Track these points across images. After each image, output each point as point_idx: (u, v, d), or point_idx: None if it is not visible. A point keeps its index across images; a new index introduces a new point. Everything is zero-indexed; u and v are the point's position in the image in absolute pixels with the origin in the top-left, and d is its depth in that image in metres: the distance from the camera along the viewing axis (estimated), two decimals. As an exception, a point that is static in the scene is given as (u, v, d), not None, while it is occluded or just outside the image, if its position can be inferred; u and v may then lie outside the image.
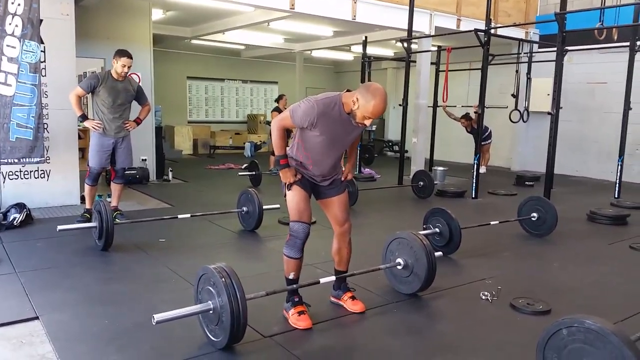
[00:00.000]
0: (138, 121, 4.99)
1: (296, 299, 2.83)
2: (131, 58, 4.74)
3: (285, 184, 2.82)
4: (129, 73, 4.81)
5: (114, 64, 4.69)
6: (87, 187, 4.90)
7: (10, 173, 5.30)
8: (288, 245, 2.80)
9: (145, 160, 7.66)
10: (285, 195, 2.85)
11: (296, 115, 2.63)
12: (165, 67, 11.54)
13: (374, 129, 13.20)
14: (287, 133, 2.84)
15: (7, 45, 4.80)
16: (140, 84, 5.30)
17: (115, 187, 5.00)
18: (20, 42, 4.83)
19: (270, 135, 2.91)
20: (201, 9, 8.02)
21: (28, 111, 4.92)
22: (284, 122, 2.73)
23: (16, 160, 5.00)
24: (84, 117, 4.70)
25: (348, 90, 2.69)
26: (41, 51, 5.28)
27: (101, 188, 6.93)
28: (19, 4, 4.79)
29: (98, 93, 4.70)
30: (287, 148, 2.85)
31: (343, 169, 3.03)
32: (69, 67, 5.55)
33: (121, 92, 4.77)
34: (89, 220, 4.80)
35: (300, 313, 2.78)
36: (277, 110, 8.55)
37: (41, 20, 5.26)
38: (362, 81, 9.13)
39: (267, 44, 11.50)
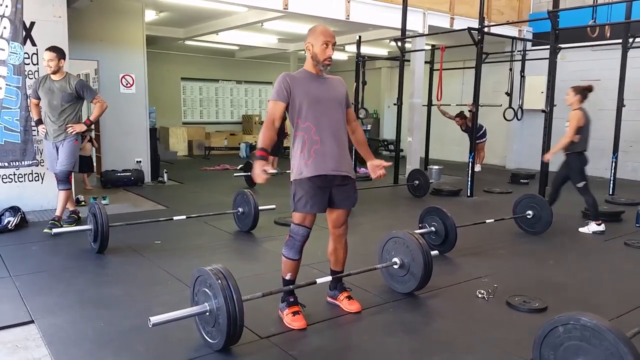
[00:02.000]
0: (87, 122, 4.71)
1: (291, 299, 2.83)
2: (54, 51, 4.51)
3: (294, 197, 2.76)
4: (54, 69, 4.50)
5: None
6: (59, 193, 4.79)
7: (4, 176, 5.27)
8: (287, 246, 2.80)
9: (140, 162, 7.64)
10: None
11: (274, 94, 2.73)
12: (159, 68, 11.51)
13: (369, 128, 13.21)
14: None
15: None
16: (79, 79, 4.79)
17: (58, 195, 4.72)
18: (8, 44, 4.78)
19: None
20: (194, 9, 8.00)
21: (13, 114, 4.87)
22: (271, 111, 2.74)
23: (6, 164, 4.96)
24: (38, 122, 4.73)
25: None
26: (33, 53, 5.26)
27: (96, 190, 6.93)
28: (6, 6, 4.74)
29: (40, 96, 4.61)
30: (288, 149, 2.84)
31: (366, 169, 3.00)
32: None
33: (56, 93, 4.53)
34: (78, 220, 4.87)
35: (295, 313, 2.78)
36: None
37: (33, 23, 5.24)
38: (357, 80, 9.12)
39: (261, 45, 11.48)
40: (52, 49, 4.56)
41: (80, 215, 5.02)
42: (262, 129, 2.75)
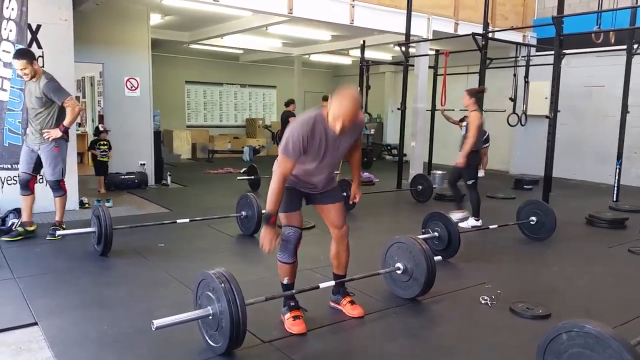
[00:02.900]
0: (61, 128, 4.36)
1: (292, 304, 2.83)
2: (22, 58, 4.15)
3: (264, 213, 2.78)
4: (31, 75, 4.22)
5: None
6: (21, 198, 4.55)
7: (9, 178, 5.29)
8: (281, 250, 2.81)
9: (144, 164, 7.66)
10: None
11: (289, 149, 2.55)
12: (163, 71, 11.56)
13: (372, 132, 13.23)
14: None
15: (3, 50, 4.79)
16: (48, 80, 4.29)
17: (54, 201, 4.60)
18: (14, 46, 4.81)
19: (277, 159, 2.65)
20: (199, 13, 8.04)
21: (16, 116, 4.87)
22: (285, 168, 2.59)
23: (9, 167, 4.98)
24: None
25: (325, 99, 2.69)
26: (39, 56, 5.29)
27: (100, 193, 6.94)
28: (12, 9, 4.78)
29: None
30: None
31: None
32: (68, 72, 5.53)
33: (31, 95, 4.31)
34: (22, 235, 4.43)
35: (295, 318, 2.78)
36: (292, 114, 8.62)
37: (40, 26, 5.28)
38: (361, 85, 9.14)
39: (266, 48, 11.53)
40: (21, 54, 4.21)
41: (32, 229, 4.59)
42: (272, 184, 2.59)
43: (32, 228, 4.55)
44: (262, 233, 2.60)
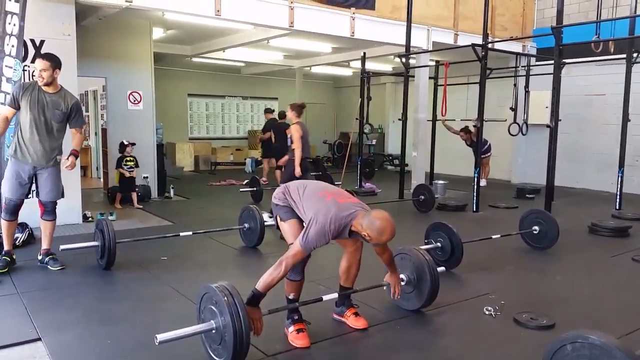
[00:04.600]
0: (75, 153, 4.00)
1: (295, 317, 2.83)
2: (48, 60, 3.81)
3: (277, 216, 2.84)
4: (47, 80, 3.83)
5: None
6: (3, 223, 4.03)
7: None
8: None
9: (147, 177, 7.69)
10: (277, 227, 2.88)
11: (311, 241, 2.52)
12: (166, 84, 11.64)
13: (374, 142, 13.27)
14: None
15: (6, 66, 4.81)
16: (77, 100, 4.10)
17: (44, 225, 4.09)
18: (15, 61, 4.84)
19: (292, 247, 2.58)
20: (201, 27, 8.11)
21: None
22: (298, 260, 2.59)
23: None
24: None
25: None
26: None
27: (104, 206, 6.96)
28: (14, 24, 4.82)
29: (20, 105, 3.84)
30: (281, 200, 2.82)
31: None
32: (71, 86, 5.43)
33: (48, 107, 3.85)
34: (9, 265, 4.00)
35: (299, 331, 2.77)
36: (274, 121, 8.89)
37: (43, 41, 5.34)
38: (362, 96, 9.15)
39: (267, 61, 11.61)
40: (47, 56, 3.88)
41: (14, 258, 4.13)
42: (276, 272, 2.54)
43: (15, 256, 4.15)
44: (249, 314, 2.40)
